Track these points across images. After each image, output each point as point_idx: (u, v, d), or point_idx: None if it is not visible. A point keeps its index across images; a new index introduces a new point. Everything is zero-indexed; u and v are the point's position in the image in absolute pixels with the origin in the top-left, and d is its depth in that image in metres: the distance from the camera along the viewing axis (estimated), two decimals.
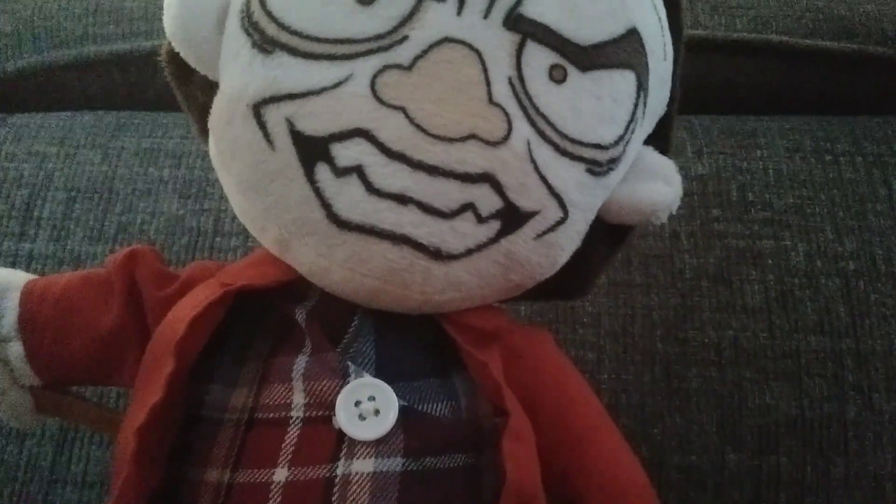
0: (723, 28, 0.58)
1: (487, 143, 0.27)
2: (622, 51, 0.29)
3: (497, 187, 0.28)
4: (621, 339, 0.49)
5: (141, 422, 0.27)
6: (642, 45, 0.30)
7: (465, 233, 0.28)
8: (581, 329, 0.50)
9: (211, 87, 0.30)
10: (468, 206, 0.27)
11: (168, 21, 0.30)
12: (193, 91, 0.32)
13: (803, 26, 0.58)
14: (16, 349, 0.32)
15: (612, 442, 0.33)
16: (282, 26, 0.27)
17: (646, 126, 0.33)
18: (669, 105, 0.34)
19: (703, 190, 0.53)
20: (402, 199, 0.27)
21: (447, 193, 0.27)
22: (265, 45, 0.27)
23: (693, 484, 0.47)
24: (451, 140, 0.27)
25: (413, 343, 0.31)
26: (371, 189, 0.27)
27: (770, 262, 0.50)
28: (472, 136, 0.27)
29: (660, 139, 0.34)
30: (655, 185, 0.33)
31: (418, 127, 0.26)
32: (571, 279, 0.34)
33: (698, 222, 0.52)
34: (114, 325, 0.32)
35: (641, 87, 0.30)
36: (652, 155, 0.34)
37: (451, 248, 0.28)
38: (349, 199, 0.27)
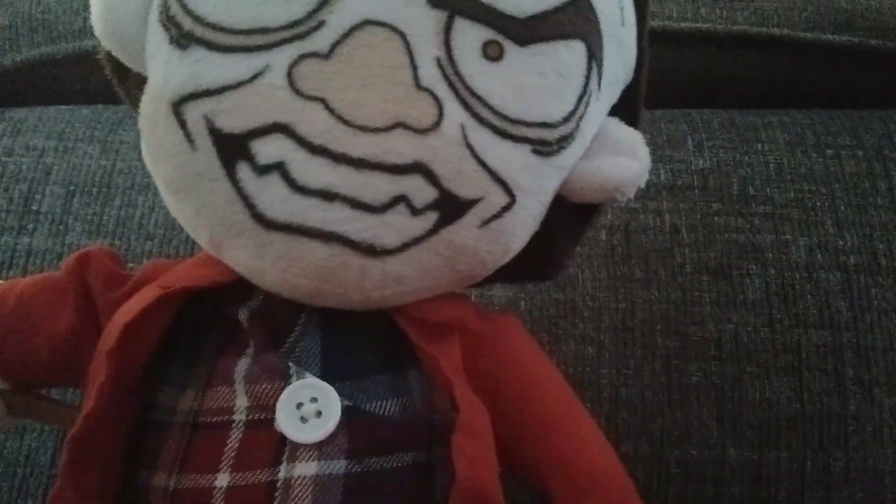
0: (724, 21, 0.58)
1: (416, 130, 0.25)
2: (567, 20, 0.27)
3: (430, 177, 0.26)
4: (621, 334, 0.49)
5: (73, 432, 0.27)
6: (592, 11, 0.28)
7: (399, 226, 0.26)
8: (581, 323, 0.50)
9: (145, 83, 0.29)
10: (400, 199, 0.26)
11: (94, 20, 0.29)
12: (132, 88, 0.31)
13: (804, 20, 0.58)
14: None
15: (580, 429, 0.32)
16: (196, 19, 0.26)
17: (606, 97, 0.31)
18: (637, 72, 0.32)
19: (703, 184, 0.53)
20: (327, 196, 0.26)
21: (376, 187, 0.26)
22: (181, 39, 0.26)
23: (693, 478, 0.47)
24: (375, 130, 0.25)
25: (363, 340, 0.30)
26: (294, 186, 0.25)
27: (771, 256, 0.50)
28: (399, 125, 0.25)
29: (627, 109, 0.32)
30: (620, 160, 0.31)
31: (339, 118, 0.25)
32: (539, 262, 0.33)
33: (699, 216, 0.52)
34: (69, 329, 0.32)
35: (593, 56, 0.28)
36: (617, 127, 0.32)
37: (385, 243, 0.26)
38: (272, 197, 0.26)
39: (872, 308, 0.49)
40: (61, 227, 0.53)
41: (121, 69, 0.30)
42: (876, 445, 0.47)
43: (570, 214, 0.32)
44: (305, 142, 0.25)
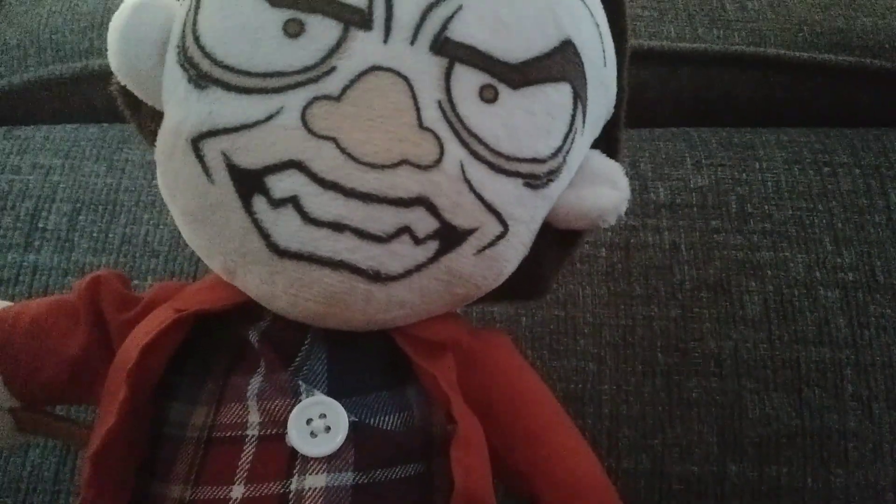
0: (721, 41, 0.58)
1: (419, 167, 0.27)
2: (555, 64, 0.29)
3: (432, 209, 0.28)
4: (622, 350, 0.50)
5: (94, 448, 0.29)
6: (578, 56, 0.30)
7: (403, 254, 0.28)
8: (582, 340, 0.50)
9: (159, 117, 0.31)
10: (404, 230, 0.28)
11: (111, 56, 0.30)
12: (144, 119, 0.33)
13: (801, 40, 0.58)
14: None
15: (567, 440, 0.34)
16: (214, 62, 0.28)
17: (589, 132, 0.33)
18: (617, 107, 0.35)
19: (702, 202, 0.53)
20: (337, 227, 0.27)
21: (382, 218, 0.28)
22: (200, 80, 0.28)
23: (694, 494, 0.47)
24: (382, 167, 0.27)
25: (366, 358, 0.32)
26: (307, 218, 0.27)
27: (769, 273, 0.51)
28: (404, 162, 0.27)
29: (608, 142, 0.35)
30: (601, 190, 0.33)
31: (349, 156, 0.27)
32: (526, 283, 0.34)
33: (698, 234, 0.52)
34: (82, 350, 0.33)
35: (578, 97, 0.30)
36: (598, 159, 0.34)
37: (389, 270, 0.28)
38: (286, 228, 0.28)
39: (871, 325, 0.49)
40: (67, 244, 0.54)
41: (134, 102, 0.32)
42: (876, 461, 0.47)
43: (555, 239, 0.34)
44: (318, 177, 0.27)
